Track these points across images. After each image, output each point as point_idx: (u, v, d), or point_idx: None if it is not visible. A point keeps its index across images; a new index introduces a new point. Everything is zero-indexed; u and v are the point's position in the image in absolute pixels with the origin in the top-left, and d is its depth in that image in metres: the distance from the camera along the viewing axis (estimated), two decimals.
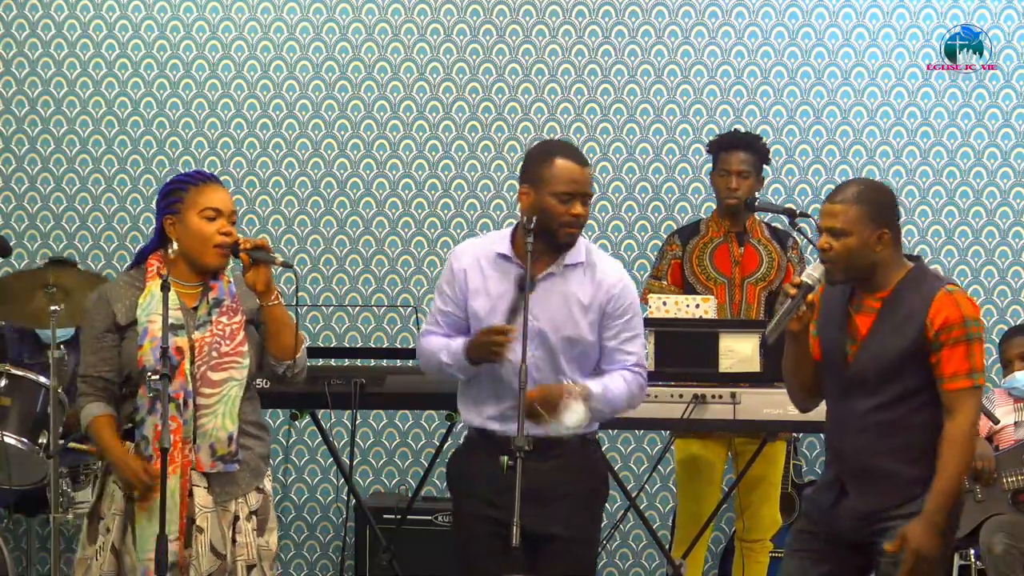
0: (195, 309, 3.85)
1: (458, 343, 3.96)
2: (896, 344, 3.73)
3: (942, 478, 3.68)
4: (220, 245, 3.83)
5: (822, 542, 3.85)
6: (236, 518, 3.84)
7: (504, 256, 3.99)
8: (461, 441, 4.21)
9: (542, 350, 3.92)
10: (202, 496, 3.78)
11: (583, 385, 3.88)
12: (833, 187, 3.91)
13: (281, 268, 3.88)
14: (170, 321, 3.78)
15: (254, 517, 3.87)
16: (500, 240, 4.04)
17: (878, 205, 3.77)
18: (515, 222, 4.07)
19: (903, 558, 3.65)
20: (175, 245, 3.84)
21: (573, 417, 3.82)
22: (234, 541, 3.83)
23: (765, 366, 4.91)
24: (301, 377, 3.98)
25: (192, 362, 3.80)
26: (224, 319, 3.84)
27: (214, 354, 3.80)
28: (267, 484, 3.94)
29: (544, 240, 3.93)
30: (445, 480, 4.26)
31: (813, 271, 3.76)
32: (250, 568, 3.85)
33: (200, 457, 3.79)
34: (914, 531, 3.66)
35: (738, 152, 5.48)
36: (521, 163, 4.11)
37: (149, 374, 3.76)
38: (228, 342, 3.83)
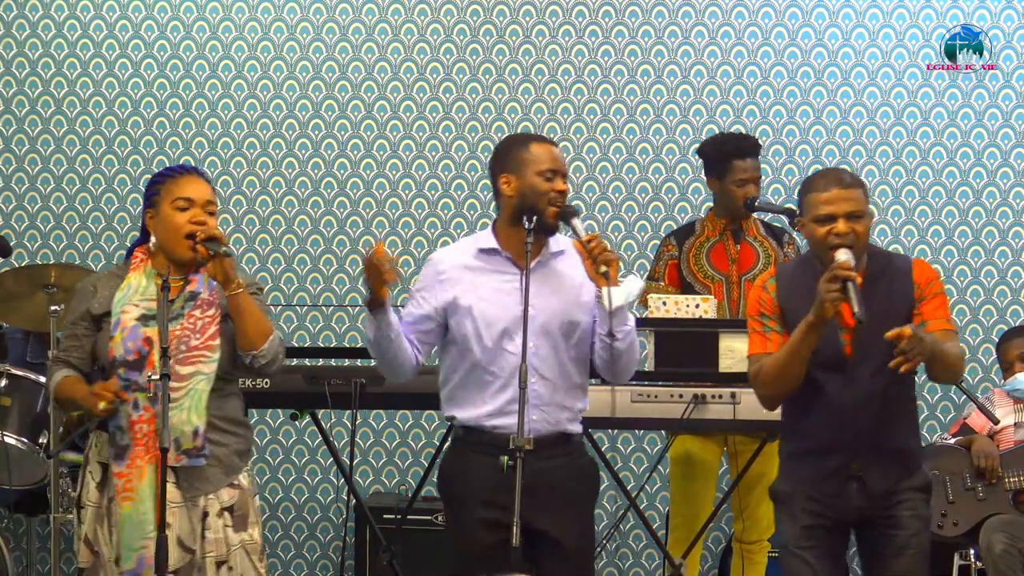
0: (172, 302, 3.84)
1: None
2: (894, 316, 3.78)
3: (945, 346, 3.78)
4: (189, 235, 3.81)
5: (831, 531, 3.93)
6: (205, 514, 3.81)
7: (489, 250, 3.98)
8: (449, 444, 4.15)
9: (544, 339, 3.92)
10: (170, 490, 3.74)
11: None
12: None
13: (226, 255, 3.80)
14: (141, 312, 3.81)
15: (227, 513, 3.84)
16: (479, 238, 4.05)
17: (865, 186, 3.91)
18: (488, 223, 4.07)
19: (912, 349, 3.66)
20: (153, 238, 3.88)
21: (634, 285, 3.83)
22: (203, 537, 3.80)
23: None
24: (272, 369, 3.92)
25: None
26: (197, 312, 3.84)
27: (183, 348, 3.80)
28: (244, 480, 3.90)
29: (537, 226, 3.91)
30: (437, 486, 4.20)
31: (844, 255, 3.71)
32: (219, 564, 3.81)
33: None
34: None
35: (751, 159, 5.49)
36: (492, 159, 4.08)
37: (120, 367, 3.76)
38: (198, 336, 3.82)
